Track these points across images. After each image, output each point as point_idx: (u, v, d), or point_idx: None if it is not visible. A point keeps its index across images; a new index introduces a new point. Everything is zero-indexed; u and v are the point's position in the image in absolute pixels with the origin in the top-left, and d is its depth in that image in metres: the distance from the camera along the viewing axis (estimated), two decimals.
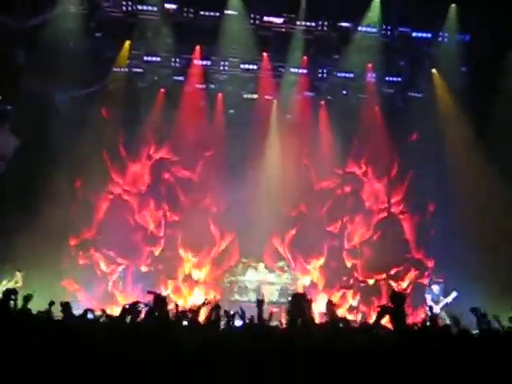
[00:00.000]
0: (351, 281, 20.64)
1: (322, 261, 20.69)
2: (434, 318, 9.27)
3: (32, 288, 11.80)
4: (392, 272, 20.48)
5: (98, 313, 10.40)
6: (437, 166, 19.62)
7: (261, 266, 20.22)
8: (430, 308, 15.67)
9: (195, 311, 9.74)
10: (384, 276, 20.40)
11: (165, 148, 20.75)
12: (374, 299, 19.88)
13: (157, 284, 19.84)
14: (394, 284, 20.34)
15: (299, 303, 6.94)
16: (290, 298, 7.72)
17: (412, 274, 20.43)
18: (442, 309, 17.79)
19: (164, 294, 19.74)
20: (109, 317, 9.37)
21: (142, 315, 8.55)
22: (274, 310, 17.36)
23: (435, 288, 18.53)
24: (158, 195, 20.70)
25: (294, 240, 20.67)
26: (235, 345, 6.52)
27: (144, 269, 20.19)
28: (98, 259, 19.85)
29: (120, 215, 20.05)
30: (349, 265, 20.84)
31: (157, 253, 20.49)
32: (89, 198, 19.77)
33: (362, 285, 20.53)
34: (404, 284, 20.35)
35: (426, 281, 19.93)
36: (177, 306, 9.92)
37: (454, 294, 17.74)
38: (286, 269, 20.44)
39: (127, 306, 8.62)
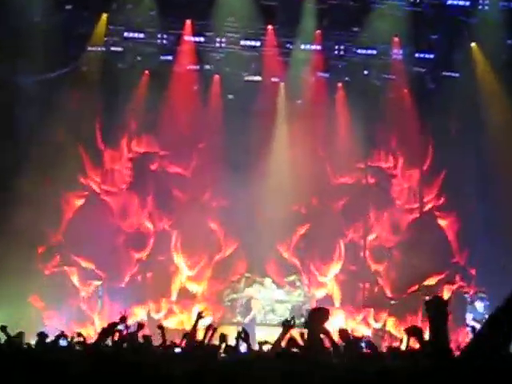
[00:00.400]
0: (376, 289, 20.48)
1: (339, 266, 20.50)
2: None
3: None
4: (429, 282, 20.05)
5: (73, 338, 10.32)
6: (476, 155, 19.49)
7: (267, 281, 20.01)
8: (473, 328, 15.52)
9: (190, 334, 9.62)
10: (417, 287, 20.02)
11: (150, 139, 20.61)
12: (407, 316, 19.58)
13: (144, 300, 19.69)
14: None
15: (317, 322, 6.74)
16: (304, 319, 7.53)
17: (455, 284, 20.08)
18: None
19: (155, 317, 19.56)
20: (84, 343, 9.29)
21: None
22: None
23: (478, 305, 18.36)
24: (143, 190, 20.57)
25: (305, 241, 20.48)
26: (237, 374, 6.33)
27: (127, 279, 19.96)
28: (70, 271, 19.63)
29: (97, 215, 19.85)
30: (372, 269, 20.64)
31: (144, 257, 20.31)
32: (60, 196, 19.61)
33: (393, 302, 20.30)
34: (444, 297, 19.99)
35: (471, 292, 19.65)
36: (162, 332, 9.82)
37: None
38: (298, 284, 20.24)
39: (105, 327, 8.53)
